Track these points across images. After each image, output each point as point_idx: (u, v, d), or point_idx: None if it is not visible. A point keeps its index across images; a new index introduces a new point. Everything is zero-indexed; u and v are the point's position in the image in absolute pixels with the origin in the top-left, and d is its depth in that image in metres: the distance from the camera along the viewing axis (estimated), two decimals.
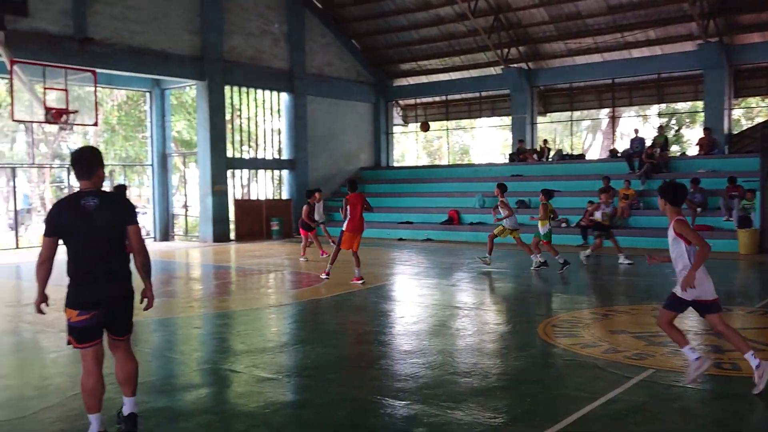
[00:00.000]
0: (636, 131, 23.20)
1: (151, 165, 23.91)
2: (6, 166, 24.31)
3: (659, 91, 24.77)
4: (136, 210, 4.86)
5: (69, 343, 4.68)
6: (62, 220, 4.53)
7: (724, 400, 5.60)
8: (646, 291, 11.66)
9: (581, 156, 26.58)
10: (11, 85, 16.58)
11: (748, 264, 15.22)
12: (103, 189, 4.71)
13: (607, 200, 15.20)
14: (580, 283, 12.82)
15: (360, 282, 11.97)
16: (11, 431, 5.07)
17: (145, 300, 4.85)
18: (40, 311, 4.82)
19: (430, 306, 10.09)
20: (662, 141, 22.14)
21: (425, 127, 18.87)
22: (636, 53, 23.77)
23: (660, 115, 31.41)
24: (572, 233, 19.27)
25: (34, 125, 20.81)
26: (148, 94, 23.87)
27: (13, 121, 18.02)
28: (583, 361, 6.67)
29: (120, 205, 4.73)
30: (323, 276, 12.30)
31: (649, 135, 23.70)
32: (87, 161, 4.65)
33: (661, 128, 23.81)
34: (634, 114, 36.04)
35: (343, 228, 12.19)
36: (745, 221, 17.08)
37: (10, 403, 5.75)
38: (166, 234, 23.70)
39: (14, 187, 21.58)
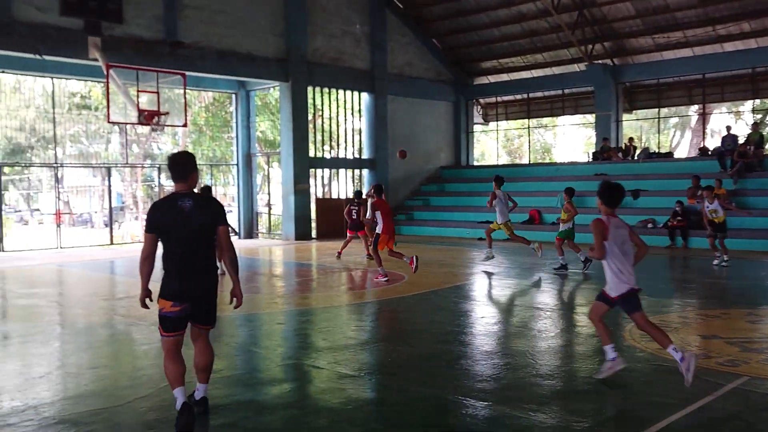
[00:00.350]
0: (728, 128, 22.22)
1: (236, 164, 24.57)
2: (101, 166, 25.51)
3: (754, 86, 23.63)
4: (226, 211, 5.22)
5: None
6: (162, 219, 4.93)
7: None
8: (739, 294, 11.17)
9: (669, 154, 25.70)
10: (107, 89, 17.38)
11: None
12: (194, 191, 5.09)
13: (710, 198, 14.52)
14: (668, 286, 12.40)
15: (384, 280, 12.22)
16: (107, 419, 5.32)
17: (234, 299, 5.16)
18: (145, 306, 5.12)
19: (510, 306, 9.98)
20: (757, 138, 21.13)
21: (402, 155, 18.44)
22: (729, 47, 22.78)
23: (754, 111, 30.02)
24: (660, 234, 18.65)
25: (128, 127, 21.76)
26: (233, 96, 24.54)
27: (109, 122, 18.88)
28: (672, 367, 6.42)
29: (212, 206, 5.09)
30: (382, 280, 12.32)
31: (742, 132, 22.67)
32: (183, 165, 5.04)
33: (755, 125, 22.75)
34: (725, 110, 34.58)
35: (379, 231, 12.59)
36: None
37: (105, 392, 6.02)
38: (250, 232, 24.31)
39: (109, 186, 22.61)
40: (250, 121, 24.57)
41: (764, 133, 24.73)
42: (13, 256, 18.00)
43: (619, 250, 5.78)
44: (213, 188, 18.41)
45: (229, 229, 5.24)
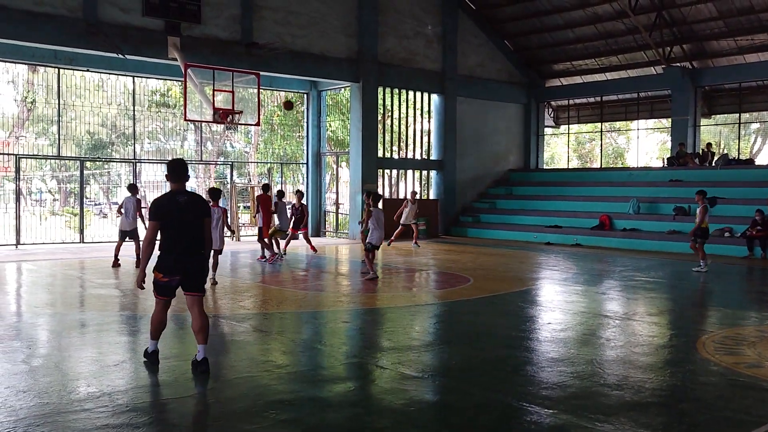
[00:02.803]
0: None
1: (306, 163, 24.90)
2: None
3: None
4: (210, 207, 6.83)
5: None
6: (163, 210, 6.24)
7: None
8: None
9: (749, 161, 24.74)
10: (185, 88, 17.89)
11: None
12: (189, 189, 6.45)
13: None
14: (744, 298, 11.94)
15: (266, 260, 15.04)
16: (175, 409, 5.48)
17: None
18: (141, 287, 6.36)
19: (578, 313, 9.79)
20: None
21: (288, 106, 18.35)
22: None
23: None
24: (738, 244, 17.97)
25: (203, 125, 22.35)
26: (305, 96, 24.89)
27: (185, 120, 19.43)
28: (748, 382, 6.21)
29: (201, 203, 6.51)
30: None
31: None
32: (181, 169, 6.39)
33: None
34: None
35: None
36: None
37: (176, 382, 6.18)
38: (318, 230, 24.60)
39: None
40: (321, 121, 24.86)
41: None
42: (93, 247, 18.74)
43: None
44: (283, 186, 18.81)
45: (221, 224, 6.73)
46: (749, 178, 20.99)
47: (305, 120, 24.97)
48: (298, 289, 12.20)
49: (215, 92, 17.82)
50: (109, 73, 20.71)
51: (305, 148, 25.05)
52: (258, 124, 20.25)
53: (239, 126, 19.80)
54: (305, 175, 25.00)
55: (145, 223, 12.27)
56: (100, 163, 28.22)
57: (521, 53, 27.72)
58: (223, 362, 6.89)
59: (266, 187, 16.64)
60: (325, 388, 6.06)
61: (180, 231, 6.24)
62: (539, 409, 5.35)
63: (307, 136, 24.86)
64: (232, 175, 24.70)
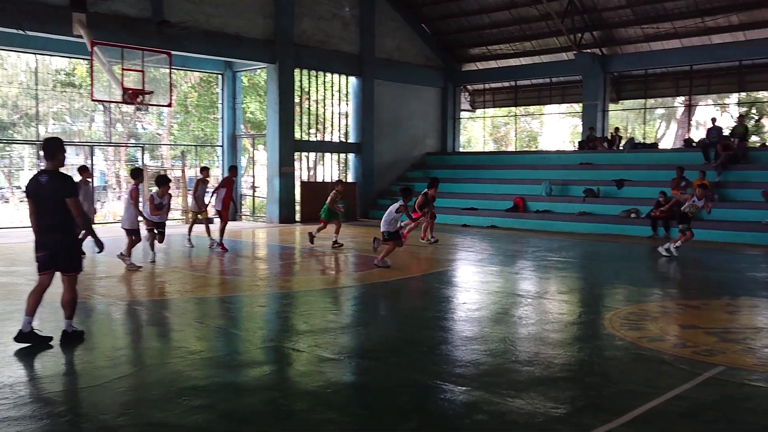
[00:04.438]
0: (713, 120, 22.34)
1: (221, 146, 24.40)
2: (84, 144, 25.23)
3: (740, 79, 23.73)
4: (76, 187, 6.80)
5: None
6: (28, 189, 6.52)
7: None
8: (719, 285, 11.26)
9: (654, 145, 25.81)
10: (91, 66, 17.16)
11: None
12: (59, 169, 6.54)
13: (701, 195, 14.29)
14: (648, 276, 12.49)
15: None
16: (84, 399, 5.29)
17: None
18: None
19: (492, 293, 10.01)
20: (742, 131, 21.27)
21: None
22: (716, 39, 22.83)
23: (740, 104, 30.18)
24: (642, 224, 18.77)
25: (112, 105, 21.52)
26: (220, 77, 24.33)
27: (93, 101, 18.67)
28: (650, 356, 6.51)
29: (62, 182, 6.49)
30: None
31: (727, 124, 22.79)
32: (47, 148, 6.53)
33: (740, 117, 22.87)
34: (711, 103, 34.77)
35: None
36: None
37: (83, 372, 5.99)
38: (234, 214, 24.19)
39: (92, 164, 22.37)
40: (236, 102, 24.39)
41: (749, 126, 24.90)
42: None
43: None
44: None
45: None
46: (654, 161, 21.92)
47: (220, 101, 24.44)
48: (215, 274, 11.98)
49: (124, 71, 17.16)
50: (9, 50, 19.63)
51: (220, 130, 24.54)
52: (170, 105, 19.66)
53: (150, 107, 19.16)
54: (220, 158, 24.51)
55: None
56: (1, 145, 26.81)
57: (438, 37, 27.95)
58: (135, 349, 6.69)
59: (233, 169, 16.05)
60: (241, 373, 5.98)
61: (39, 210, 6.51)
62: (453, 387, 5.44)
63: (222, 118, 24.36)
64: (143, 158, 23.94)
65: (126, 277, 10.95)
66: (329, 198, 15.43)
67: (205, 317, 8.43)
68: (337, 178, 22.38)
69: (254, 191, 25.20)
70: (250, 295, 9.81)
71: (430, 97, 28.25)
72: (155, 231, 12.50)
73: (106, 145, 25.40)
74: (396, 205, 12.64)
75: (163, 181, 12.41)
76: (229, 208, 15.48)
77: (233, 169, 16.02)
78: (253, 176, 25.76)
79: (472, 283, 11.24)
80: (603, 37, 24.94)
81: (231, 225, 18.49)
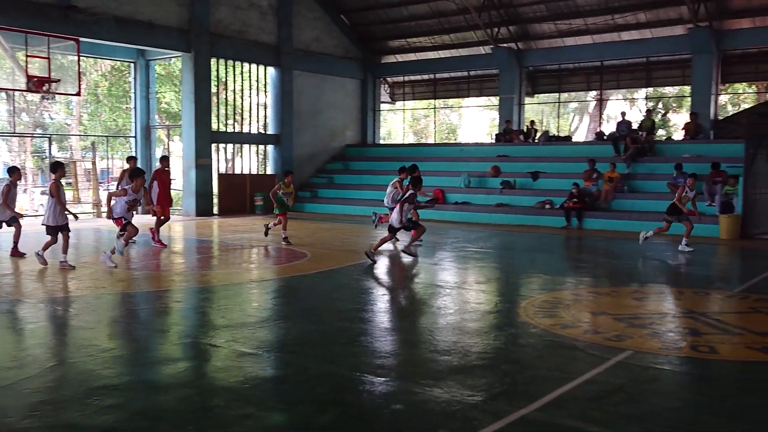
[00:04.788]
0: (623, 114, 23.21)
1: (135, 137, 23.65)
2: None
3: (647, 75, 24.76)
4: None
5: None
6: None
7: (701, 382, 5.65)
8: (627, 273, 11.72)
9: (568, 138, 26.60)
10: None
11: (729, 249, 15.35)
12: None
13: (691, 186, 13.96)
14: (561, 265, 12.87)
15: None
16: None
17: None
18: None
19: (412, 284, 10.09)
20: (649, 125, 22.19)
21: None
22: (625, 36, 23.73)
23: (647, 98, 31.46)
24: (557, 215, 19.32)
25: (16, 94, 20.50)
26: (132, 65, 23.56)
27: None
28: (563, 342, 6.70)
29: None
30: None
31: (636, 118, 23.72)
32: None
33: (648, 112, 23.84)
34: (621, 97, 36.12)
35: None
36: (727, 207, 17.19)
37: None
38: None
39: None
40: (150, 92, 23.67)
41: (656, 120, 26.00)
42: None
43: None
44: (109, 161, 17.58)
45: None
46: (567, 153, 22.59)
47: (133, 91, 23.67)
48: (129, 269, 11.60)
49: (29, 58, 16.37)
50: None
51: (133, 120, 23.78)
52: (78, 93, 18.90)
53: (58, 96, 18.36)
54: (133, 150, 23.75)
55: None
56: None
57: (357, 29, 27.92)
58: (42, 348, 6.41)
59: (164, 160, 15.25)
60: (155, 370, 5.81)
61: None
62: (372, 378, 5.46)
63: (135, 107, 23.60)
64: (50, 150, 22.94)
65: (36, 274, 10.47)
66: (275, 188, 14.92)
67: (117, 314, 8.15)
68: (286, 169, 21.53)
69: (170, 183, 24.53)
70: (165, 291, 9.55)
71: (349, 88, 28.21)
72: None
73: (10, 135, 24.19)
74: (407, 195, 12.22)
75: (137, 173, 11.42)
76: (168, 202, 14.80)
77: (164, 160, 15.26)
78: (168, 168, 25.06)
79: (391, 274, 11.31)
80: (518, 32, 25.50)
81: (145, 219, 17.96)
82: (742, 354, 6.37)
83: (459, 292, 9.60)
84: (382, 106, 30.51)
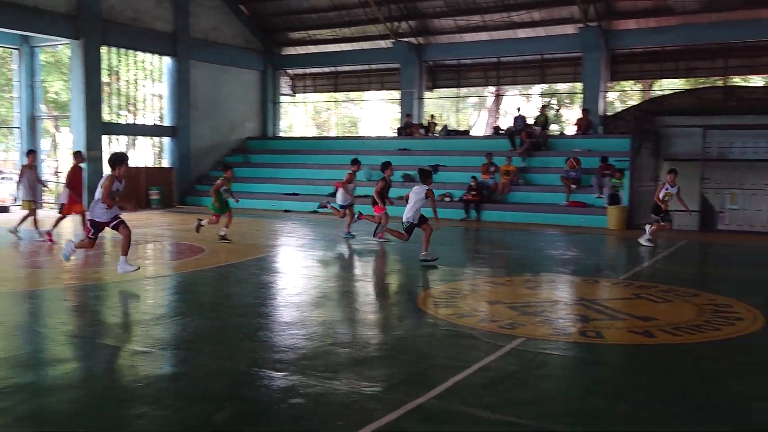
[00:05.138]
0: (518, 109, 23.95)
1: (19, 128, 22.39)
2: None
3: (542, 72, 25.63)
4: None
5: None
6: None
7: (588, 366, 5.92)
8: (521, 263, 12.13)
9: (466, 132, 27.20)
10: None
11: (616, 239, 16.14)
12: None
13: (672, 181, 13.83)
14: (460, 256, 13.17)
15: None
16: None
17: None
18: None
19: (313, 278, 10.07)
20: (543, 120, 22.99)
21: None
22: (521, 33, 24.45)
23: (542, 94, 32.58)
24: (456, 207, 19.72)
25: None
26: (15, 52, 22.28)
27: None
28: (460, 331, 6.86)
29: None
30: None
31: (531, 114, 24.53)
32: None
33: (543, 108, 24.69)
34: (518, 93, 37.23)
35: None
36: (614, 199, 18.07)
37: None
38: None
39: None
40: (35, 81, 22.48)
41: (549, 116, 26.97)
42: None
43: None
44: None
45: None
46: (466, 147, 23.11)
47: (17, 79, 22.40)
48: (14, 267, 11.00)
49: None
50: None
51: (17, 110, 22.50)
52: None
53: None
54: (18, 141, 22.49)
55: None
56: None
57: (257, 19, 27.49)
58: None
59: (77, 155, 14.22)
60: (42, 372, 5.53)
61: None
62: (270, 373, 5.41)
63: (20, 97, 22.34)
64: None
65: None
66: (218, 184, 13.79)
67: (1, 314, 7.72)
68: (224, 163, 20.08)
69: (58, 177, 23.41)
70: (53, 289, 9.11)
71: (249, 80, 27.76)
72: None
73: None
74: (422, 190, 11.31)
75: (120, 159, 9.56)
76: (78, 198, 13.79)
77: (77, 155, 14.26)
78: (57, 161, 23.90)
79: (292, 268, 11.23)
80: (419, 26, 25.81)
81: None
82: (625, 338, 6.72)
83: (360, 285, 9.65)
84: (283, 99, 30.20)
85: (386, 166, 14.18)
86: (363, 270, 11.14)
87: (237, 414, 4.63)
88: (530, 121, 23.14)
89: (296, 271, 10.74)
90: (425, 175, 11.37)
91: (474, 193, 19.50)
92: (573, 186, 19.25)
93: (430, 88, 27.53)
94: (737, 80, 27.07)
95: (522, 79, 27.45)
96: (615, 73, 24.24)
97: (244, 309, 7.92)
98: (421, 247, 11.25)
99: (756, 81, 28.53)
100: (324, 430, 4.32)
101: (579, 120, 23.12)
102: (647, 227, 14.14)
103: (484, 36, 25.02)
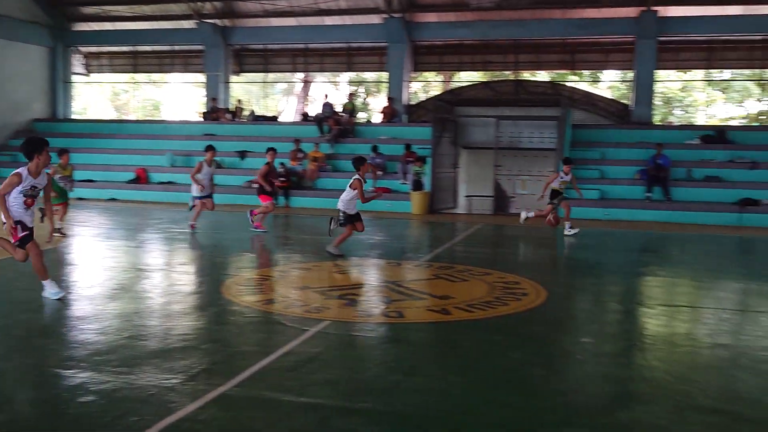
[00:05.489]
0: (326, 96, 24.16)
1: None
2: None
3: (349, 60, 26.04)
4: None
5: None
6: None
7: (388, 344, 6.11)
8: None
9: (274, 118, 27.00)
10: None
11: (419, 223, 16.86)
12: None
13: (567, 170, 14.12)
14: (269, 243, 13.06)
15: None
16: None
17: None
18: None
19: (110, 269, 9.48)
20: (350, 107, 23.39)
21: None
22: (329, 21, 24.64)
23: (350, 82, 33.13)
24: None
25: None
26: None
27: None
28: (265, 318, 6.80)
29: None
30: None
31: (339, 101, 24.86)
32: None
33: (350, 95, 25.11)
34: (326, 80, 37.54)
35: None
36: (417, 185, 18.84)
37: None
38: None
39: None
40: None
41: (357, 104, 27.50)
42: None
43: None
44: None
45: None
46: (275, 133, 22.92)
47: None
48: None
49: None
50: None
51: None
52: None
53: None
54: None
55: None
56: None
57: None
58: None
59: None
60: None
61: None
62: (59, 371, 5.01)
63: None
64: None
65: None
66: (50, 172, 11.46)
67: None
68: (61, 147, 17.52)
69: None
70: None
71: (36, 57, 25.51)
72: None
73: None
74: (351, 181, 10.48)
75: (40, 145, 7.24)
76: None
77: None
78: None
79: (86, 259, 10.51)
80: (224, 8, 25.15)
81: None
82: (424, 316, 7.03)
83: (162, 275, 9.25)
84: (76, 78, 28.07)
85: (269, 150, 13.87)
86: (167, 259, 10.68)
87: (19, 418, 4.23)
88: (338, 108, 23.44)
89: (91, 262, 10.05)
90: (357, 163, 10.59)
91: (283, 179, 19.41)
92: (379, 172, 19.81)
93: (237, 72, 26.96)
94: (527, 75, 29.33)
95: (330, 67, 27.72)
96: (418, 64, 25.21)
97: (31, 305, 7.26)
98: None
99: (542, 76, 31.04)
100: (117, 427, 4.07)
101: (385, 108, 23.81)
102: (566, 223, 14.37)
103: (291, 21, 24.90)
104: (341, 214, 10.54)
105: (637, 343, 6.32)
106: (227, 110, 24.88)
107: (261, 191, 13.68)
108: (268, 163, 13.78)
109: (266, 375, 5.04)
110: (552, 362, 5.66)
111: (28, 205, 7.16)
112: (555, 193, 14.23)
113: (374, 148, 20.29)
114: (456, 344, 6.05)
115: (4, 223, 7.08)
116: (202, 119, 25.24)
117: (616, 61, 24.36)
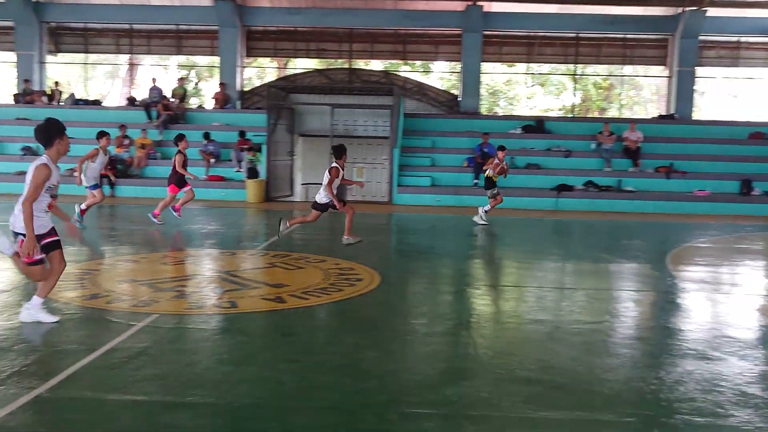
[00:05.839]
0: (154, 80, 23.08)
1: None
2: None
3: (179, 43, 25.03)
4: None
5: None
6: None
7: (220, 336, 5.96)
8: (159, 240, 11.77)
9: (97, 102, 25.40)
10: None
11: (255, 211, 16.61)
12: None
13: (502, 158, 14.20)
14: (93, 235, 12.30)
15: None
16: None
17: None
18: None
19: None
20: (181, 92, 22.53)
21: None
22: (155, 1, 23.52)
23: (180, 66, 31.87)
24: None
25: None
26: None
27: None
28: (88, 314, 6.41)
29: None
30: None
31: (169, 86, 23.83)
32: None
33: (181, 80, 24.16)
34: (155, 63, 35.86)
35: None
36: (252, 173, 18.54)
37: None
38: None
39: None
40: None
41: (188, 89, 26.53)
42: None
43: None
44: None
45: None
46: (98, 118, 21.54)
47: None
48: None
49: None
50: None
51: None
52: None
53: None
54: None
55: None
56: None
57: None
58: None
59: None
60: None
61: None
62: None
63: None
64: None
65: None
66: None
67: None
68: None
69: None
70: None
71: None
72: None
73: None
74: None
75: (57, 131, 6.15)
76: None
77: None
78: None
79: None
80: None
81: None
82: (259, 305, 6.93)
83: None
84: None
85: (180, 138, 12.93)
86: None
87: None
88: (168, 93, 22.48)
89: None
90: (338, 150, 10.24)
91: (109, 166, 18.30)
92: (212, 160, 19.28)
93: (53, 52, 25.05)
94: (361, 64, 29.71)
95: (157, 49, 26.48)
96: (251, 49, 24.75)
97: None
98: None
99: (376, 65, 31.60)
100: None
101: (217, 94, 23.16)
102: (480, 208, 14.56)
103: (114, 0, 23.49)
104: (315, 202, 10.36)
105: (464, 323, 6.62)
106: (43, 93, 23.08)
107: (173, 181, 12.85)
108: (180, 152, 12.84)
109: (88, 374, 4.75)
110: (384, 344, 5.79)
111: (50, 209, 5.88)
112: (490, 183, 14.50)
113: (206, 135, 19.70)
114: (290, 332, 6.03)
115: (19, 236, 5.51)
116: (13, 102, 23.20)
117: (445, 52, 25.30)
